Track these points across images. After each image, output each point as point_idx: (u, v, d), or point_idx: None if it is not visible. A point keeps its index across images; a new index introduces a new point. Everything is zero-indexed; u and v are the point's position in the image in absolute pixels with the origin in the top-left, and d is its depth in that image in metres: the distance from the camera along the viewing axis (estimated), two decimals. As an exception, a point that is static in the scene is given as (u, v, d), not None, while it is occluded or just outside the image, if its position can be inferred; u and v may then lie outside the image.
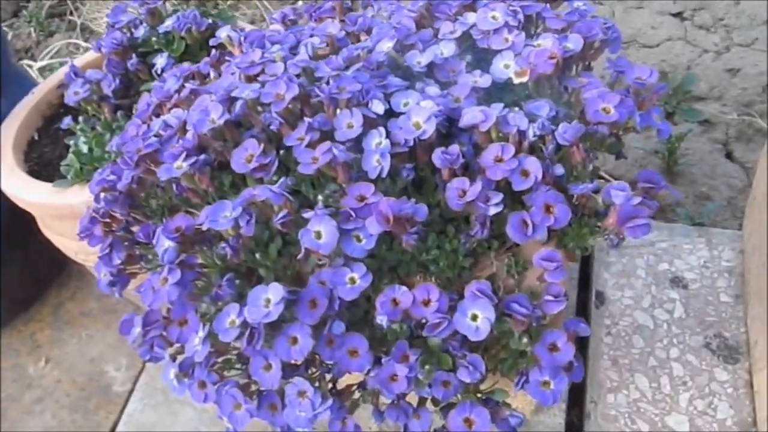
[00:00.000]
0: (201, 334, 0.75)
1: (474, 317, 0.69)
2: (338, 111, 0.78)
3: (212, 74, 0.94)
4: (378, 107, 0.77)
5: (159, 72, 1.15)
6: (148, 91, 1.04)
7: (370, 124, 0.77)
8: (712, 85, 1.80)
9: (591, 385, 1.16)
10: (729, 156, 1.63)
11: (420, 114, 0.75)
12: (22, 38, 2.39)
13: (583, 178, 0.77)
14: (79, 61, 1.35)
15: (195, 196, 0.80)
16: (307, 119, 0.76)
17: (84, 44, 2.25)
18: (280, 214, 0.72)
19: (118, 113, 1.14)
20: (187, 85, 0.91)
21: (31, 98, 1.32)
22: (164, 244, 0.75)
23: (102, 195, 0.84)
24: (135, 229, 0.87)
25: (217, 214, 0.73)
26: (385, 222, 0.68)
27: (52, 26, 2.37)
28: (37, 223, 1.24)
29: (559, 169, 0.73)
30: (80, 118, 1.14)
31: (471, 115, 0.74)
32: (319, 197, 0.75)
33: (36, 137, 1.28)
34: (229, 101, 0.82)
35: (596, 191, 0.75)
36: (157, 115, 0.93)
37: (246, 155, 0.76)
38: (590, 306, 1.28)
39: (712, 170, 1.59)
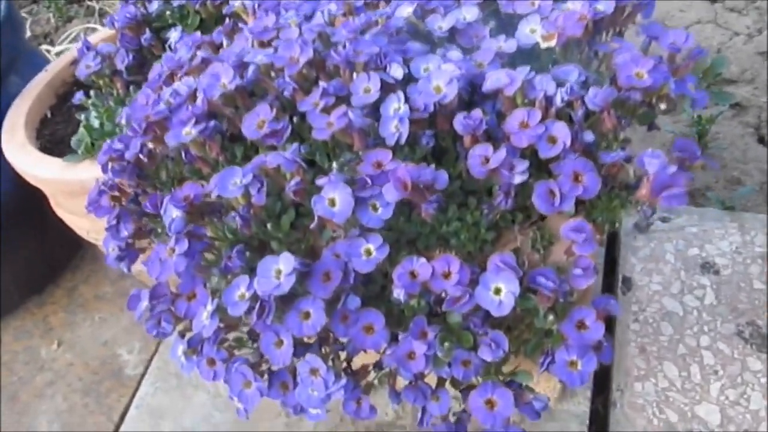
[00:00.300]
0: (209, 307, 0.72)
1: (497, 291, 0.64)
2: (355, 75, 0.74)
3: (225, 43, 0.91)
4: (397, 71, 0.73)
5: (173, 47, 1.12)
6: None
7: (388, 89, 0.73)
8: (744, 68, 1.73)
9: (617, 373, 1.12)
10: (761, 140, 1.57)
11: (441, 77, 0.71)
12: (41, 24, 2.39)
13: (614, 147, 0.72)
14: (94, 38, 1.33)
15: (205, 165, 0.77)
16: (322, 83, 0.72)
17: (102, 29, 2.23)
18: (293, 182, 0.69)
19: (131, 88, 1.11)
20: (198, 53, 0.88)
21: (44, 75, 1.30)
22: (172, 214, 0.72)
23: (110, 165, 0.81)
24: (144, 201, 0.84)
25: (226, 181, 0.69)
26: (403, 189, 0.64)
27: (70, 12, 2.36)
28: (50, 204, 1.22)
29: (589, 136, 0.69)
30: (92, 93, 1.11)
31: (495, 78, 0.70)
32: (334, 164, 0.71)
33: (49, 115, 1.26)
34: (241, 67, 0.79)
35: (628, 160, 0.70)
36: (168, 85, 0.90)
37: (258, 121, 0.72)
38: (616, 292, 1.23)
39: (743, 154, 1.52)
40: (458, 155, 0.74)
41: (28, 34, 2.32)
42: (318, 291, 0.69)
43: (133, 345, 1.36)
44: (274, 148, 0.74)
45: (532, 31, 0.79)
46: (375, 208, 0.67)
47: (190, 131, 0.73)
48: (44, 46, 2.21)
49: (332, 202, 0.66)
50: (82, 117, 1.09)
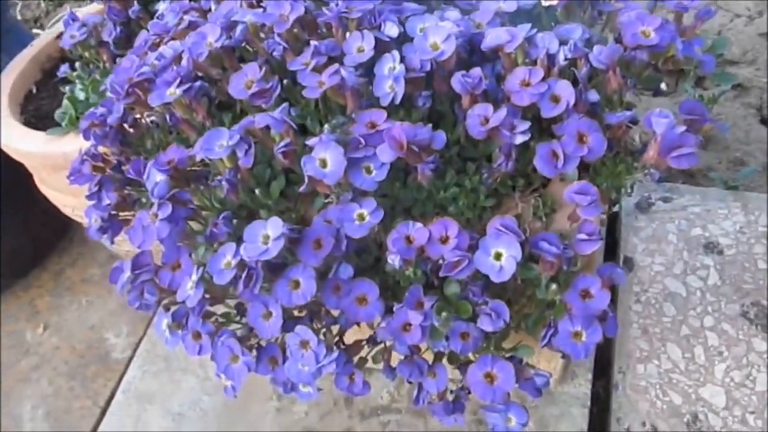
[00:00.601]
0: (194, 277, 0.69)
1: (498, 256, 0.61)
2: (348, 35, 0.70)
3: (213, 8, 0.87)
4: (392, 30, 0.69)
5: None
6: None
7: (382, 48, 0.70)
8: (745, 49, 1.70)
9: (619, 355, 1.08)
10: (764, 121, 1.54)
11: (438, 33, 0.67)
12: (32, 8, 2.34)
13: (619, 109, 0.69)
14: (81, 12, 1.29)
15: (190, 129, 0.74)
16: (313, 42, 0.69)
17: (90, 5, 2.19)
18: (282, 143, 0.65)
19: (118, 61, 1.07)
20: (186, 17, 0.84)
21: (29, 50, 1.26)
22: (155, 178, 0.69)
23: (92, 131, 0.77)
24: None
25: (212, 142, 0.66)
26: (399, 148, 0.61)
27: (61, -5, 2.32)
28: (35, 184, 1.18)
29: (594, 95, 0.66)
30: (77, 65, 1.08)
31: (495, 35, 0.66)
32: (326, 126, 0.67)
33: (34, 90, 1.22)
34: (229, 28, 0.75)
35: (634, 122, 0.67)
36: (154, 51, 0.86)
37: (245, 80, 0.69)
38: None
39: (746, 135, 1.49)
40: (456, 119, 0.71)
41: (18, 17, 2.27)
42: (308, 258, 0.65)
43: (120, 328, 1.33)
44: (263, 110, 0.70)
45: (533, -9, 0.75)
46: (369, 171, 0.64)
47: (174, 91, 0.69)
48: (34, 30, 2.17)
49: (323, 163, 0.62)
50: (67, 89, 1.06)
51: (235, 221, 0.70)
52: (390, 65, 0.68)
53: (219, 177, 0.67)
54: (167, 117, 0.74)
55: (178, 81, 0.69)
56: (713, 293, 1.15)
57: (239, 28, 0.72)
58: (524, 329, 0.75)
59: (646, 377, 1.06)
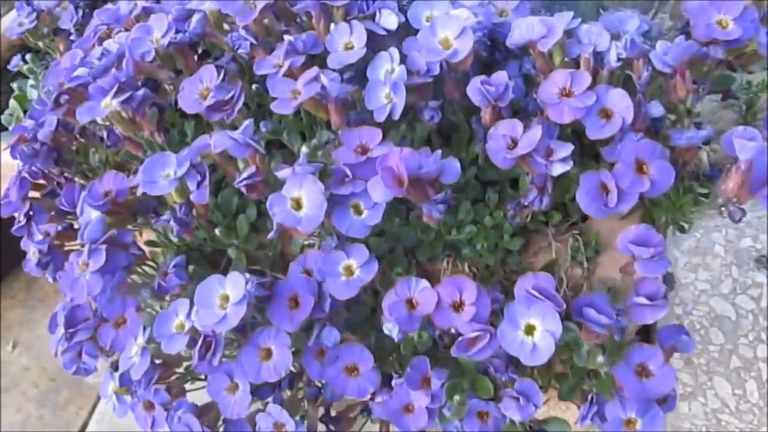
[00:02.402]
0: (140, 340, 0.54)
1: (529, 329, 0.46)
2: (332, 26, 0.54)
3: (173, -11, 0.71)
4: (389, 20, 0.54)
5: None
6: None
7: (377, 44, 0.54)
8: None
9: (659, 392, 0.94)
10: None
11: (450, 26, 0.51)
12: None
13: (686, 123, 0.53)
14: (39, -9, 1.13)
15: (136, 148, 0.58)
16: (288, 37, 0.53)
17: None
18: (245, 174, 0.50)
19: (74, 52, 0.92)
20: (140, 3, 0.68)
21: (-18, 37, 1.10)
22: (88, 215, 0.54)
23: (19, 149, 0.62)
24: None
25: (155, 171, 0.51)
26: (397, 184, 0.46)
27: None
28: None
29: (657, 109, 0.49)
30: (28, 57, 0.92)
31: (525, 28, 0.50)
32: (303, 148, 0.52)
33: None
34: (185, 18, 0.60)
35: (708, 141, 0.51)
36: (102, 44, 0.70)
37: (201, 89, 0.53)
38: None
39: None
40: (474, 133, 0.55)
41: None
42: (282, 322, 0.50)
43: (95, 348, 1.19)
44: (228, 125, 0.55)
45: (572, -34, 0.59)
46: (358, 210, 0.49)
47: (110, 103, 0.53)
48: None
49: (297, 204, 0.47)
50: (15, 86, 0.91)
51: (191, 268, 0.55)
52: (387, 67, 0.52)
53: (166, 215, 0.52)
54: (105, 134, 0.58)
55: (115, 89, 0.53)
56: (768, 316, 1.00)
57: (195, 18, 0.57)
58: (555, 389, 0.60)
59: (690, 418, 0.92)
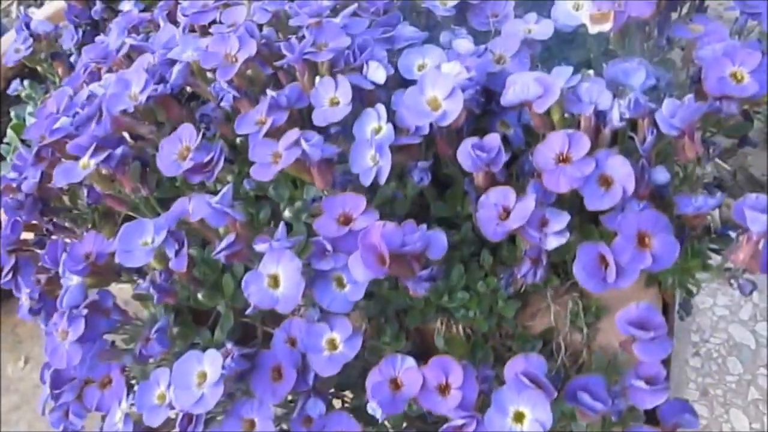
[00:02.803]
0: (124, 405, 0.53)
1: (518, 417, 0.43)
2: (317, 79, 0.51)
3: (162, 24, 0.69)
4: (377, 73, 0.50)
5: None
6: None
7: (365, 98, 0.51)
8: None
9: (672, 426, 0.90)
10: None
11: (439, 84, 0.48)
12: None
13: (694, 185, 0.49)
14: (42, 12, 1.12)
15: (119, 205, 0.56)
16: (270, 93, 0.50)
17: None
18: (224, 242, 0.47)
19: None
20: (128, 40, 0.66)
21: (-15, 57, 1.09)
22: (68, 280, 0.52)
23: (3, 200, 0.60)
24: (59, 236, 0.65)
25: (131, 240, 0.48)
26: (379, 263, 0.43)
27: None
28: None
29: (662, 175, 0.46)
30: (25, 83, 0.91)
31: (520, 87, 0.47)
32: (286, 212, 0.49)
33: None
34: (169, 65, 0.57)
35: (718, 206, 0.48)
36: (95, 80, 0.68)
37: (180, 148, 0.51)
38: (671, 317, 1.00)
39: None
40: (467, 190, 0.52)
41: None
42: (264, 394, 0.49)
43: (104, 365, 1.19)
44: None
45: (576, 7, 0.55)
46: (341, 284, 0.46)
47: (87, 163, 0.51)
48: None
49: (274, 281, 0.45)
50: (12, 114, 0.89)
51: (176, 330, 0.54)
52: (374, 125, 0.49)
53: (145, 282, 0.50)
54: (85, 192, 0.56)
55: (93, 148, 0.51)
56: (790, 346, 0.96)
57: (176, 69, 0.54)
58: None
59: (706, 453, 0.89)
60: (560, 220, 0.45)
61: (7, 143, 0.87)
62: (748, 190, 1.16)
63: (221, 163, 0.49)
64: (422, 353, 0.55)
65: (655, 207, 0.46)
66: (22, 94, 0.92)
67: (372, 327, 0.54)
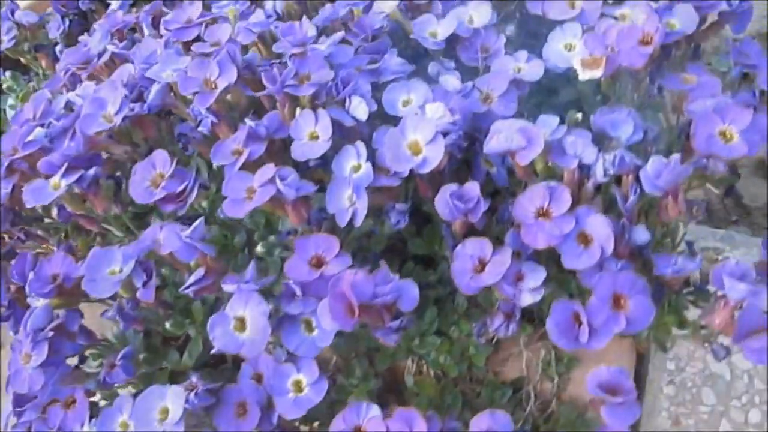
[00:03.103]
0: (86, 429, 0.52)
1: (481, 476, 0.43)
2: (298, 111, 0.50)
3: (147, 31, 0.67)
4: (359, 109, 0.49)
5: (110, 13, 0.88)
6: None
7: (344, 135, 0.50)
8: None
9: (642, 454, 0.91)
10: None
11: (421, 129, 0.47)
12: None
13: (675, 244, 0.49)
14: (26, 1, 1.09)
15: (91, 224, 0.55)
16: (248, 122, 0.49)
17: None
18: (193, 277, 0.46)
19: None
20: (109, 47, 0.64)
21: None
22: (34, 302, 0.51)
23: (-26, 207, 0.59)
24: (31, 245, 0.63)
25: (99, 269, 0.47)
26: (348, 313, 0.42)
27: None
28: None
29: (643, 235, 0.45)
30: (7, 74, 0.89)
31: (503, 138, 0.46)
32: (259, 247, 0.48)
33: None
34: (149, 80, 0.56)
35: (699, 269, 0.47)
36: (75, 86, 0.67)
37: (153, 175, 0.49)
38: (644, 368, 1.00)
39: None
40: (445, 236, 0.51)
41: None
42: (227, 430, 0.48)
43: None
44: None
45: (568, 48, 0.54)
46: (309, 328, 0.45)
47: (58, 183, 0.50)
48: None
49: (241, 324, 0.44)
50: (-8, 105, 0.88)
51: (142, 356, 0.53)
52: (353, 164, 0.48)
53: (110, 311, 0.49)
54: (56, 210, 0.55)
55: (64, 168, 0.50)
56: (763, 378, 0.96)
57: (154, 89, 0.52)
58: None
59: (674, 483, 0.89)
60: (536, 276, 0.44)
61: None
62: (735, 215, 1.16)
63: (194, 193, 0.48)
64: (392, 389, 0.55)
65: (634, 265, 0.45)
66: (4, 86, 0.90)
67: (341, 360, 0.53)
